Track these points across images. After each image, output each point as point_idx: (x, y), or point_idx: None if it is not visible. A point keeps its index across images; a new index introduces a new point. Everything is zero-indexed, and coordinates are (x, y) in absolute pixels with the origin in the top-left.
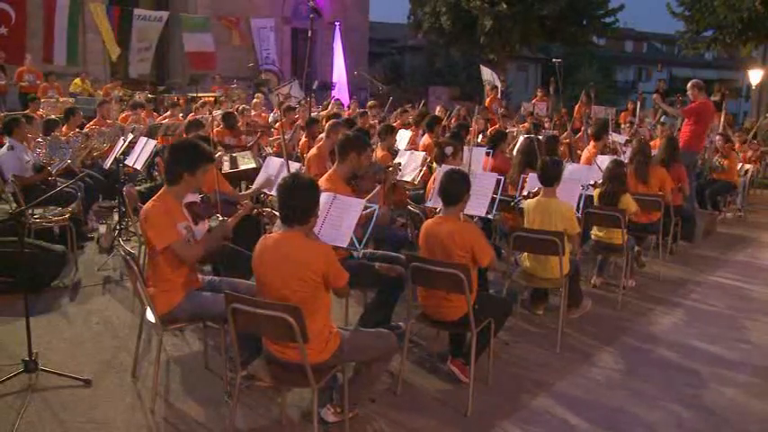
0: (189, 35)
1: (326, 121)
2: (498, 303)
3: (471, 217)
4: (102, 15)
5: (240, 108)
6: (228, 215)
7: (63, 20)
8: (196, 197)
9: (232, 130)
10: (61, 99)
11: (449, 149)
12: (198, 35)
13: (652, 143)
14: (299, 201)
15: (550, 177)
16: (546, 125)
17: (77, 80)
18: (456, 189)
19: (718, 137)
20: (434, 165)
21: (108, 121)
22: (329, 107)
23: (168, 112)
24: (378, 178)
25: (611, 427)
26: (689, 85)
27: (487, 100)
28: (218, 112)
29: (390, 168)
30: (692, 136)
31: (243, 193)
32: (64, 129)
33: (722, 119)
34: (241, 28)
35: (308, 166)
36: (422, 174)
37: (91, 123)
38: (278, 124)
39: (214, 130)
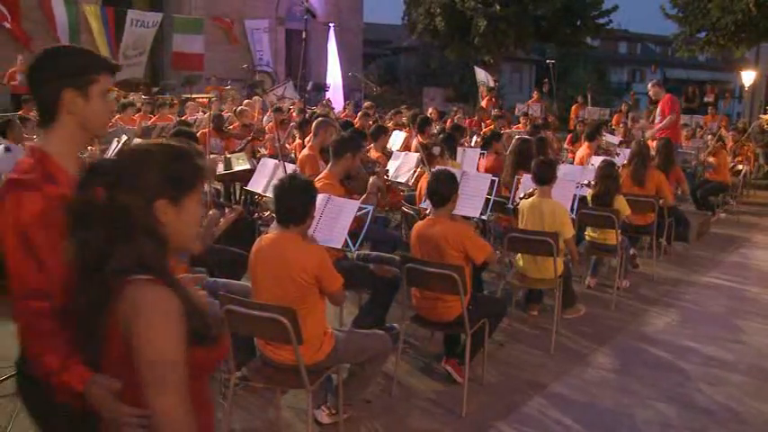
0: (180, 36)
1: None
2: (493, 304)
3: (466, 218)
4: (95, 16)
5: (237, 110)
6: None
7: (63, 22)
8: None
9: (220, 132)
10: None
11: (436, 149)
12: (189, 36)
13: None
14: (295, 201)
15: (544, 177)
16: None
17: None
18: (444, 190)
19: (710, 136)
20: (422, 167)
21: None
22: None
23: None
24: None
25: (606, 428)
26: (649, 85)
27: (484, 102)
28: (198, 116)
29: (378, 170)
30: (672, 130)
31: None
32: None
33: (717, 120)
34: (235, 30)
35: (300, 166)
36: (416, 175)
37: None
38: (269, 125)
39: (200, 132)
